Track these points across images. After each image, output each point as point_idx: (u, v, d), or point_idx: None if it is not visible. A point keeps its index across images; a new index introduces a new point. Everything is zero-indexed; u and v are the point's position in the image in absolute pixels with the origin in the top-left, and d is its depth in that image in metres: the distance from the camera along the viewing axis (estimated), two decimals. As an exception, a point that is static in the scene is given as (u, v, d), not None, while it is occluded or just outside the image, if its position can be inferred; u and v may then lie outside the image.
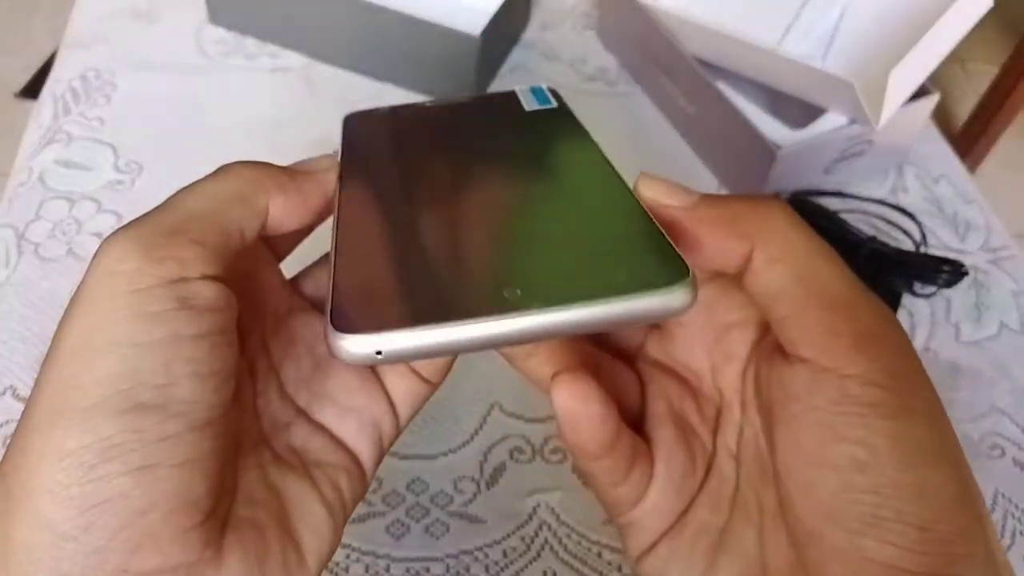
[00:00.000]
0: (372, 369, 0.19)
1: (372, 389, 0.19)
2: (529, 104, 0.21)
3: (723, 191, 0.44)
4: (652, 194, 0.17)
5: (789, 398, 0.15)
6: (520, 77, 0.48)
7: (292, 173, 0.18)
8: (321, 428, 0.18)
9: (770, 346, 0.17)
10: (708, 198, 0.17)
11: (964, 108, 1.23)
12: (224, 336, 0.15)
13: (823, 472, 0.15)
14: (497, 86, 0.47)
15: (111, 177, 0.40)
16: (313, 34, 0.46)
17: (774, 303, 0.16)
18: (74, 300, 0.15)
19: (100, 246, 0.15)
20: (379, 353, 0.14)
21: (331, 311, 0.14)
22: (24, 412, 0.15)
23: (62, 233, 0.38)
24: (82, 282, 0.15)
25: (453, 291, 0.15)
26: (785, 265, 0.16)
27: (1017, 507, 0.33)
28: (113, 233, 0.15)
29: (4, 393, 0.32)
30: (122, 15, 0.48)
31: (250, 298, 0.18)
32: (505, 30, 0.47)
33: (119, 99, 0.43)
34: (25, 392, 0.32)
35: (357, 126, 0.22)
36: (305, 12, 0.45)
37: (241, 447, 0.17)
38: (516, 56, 0.49)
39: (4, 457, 0.15)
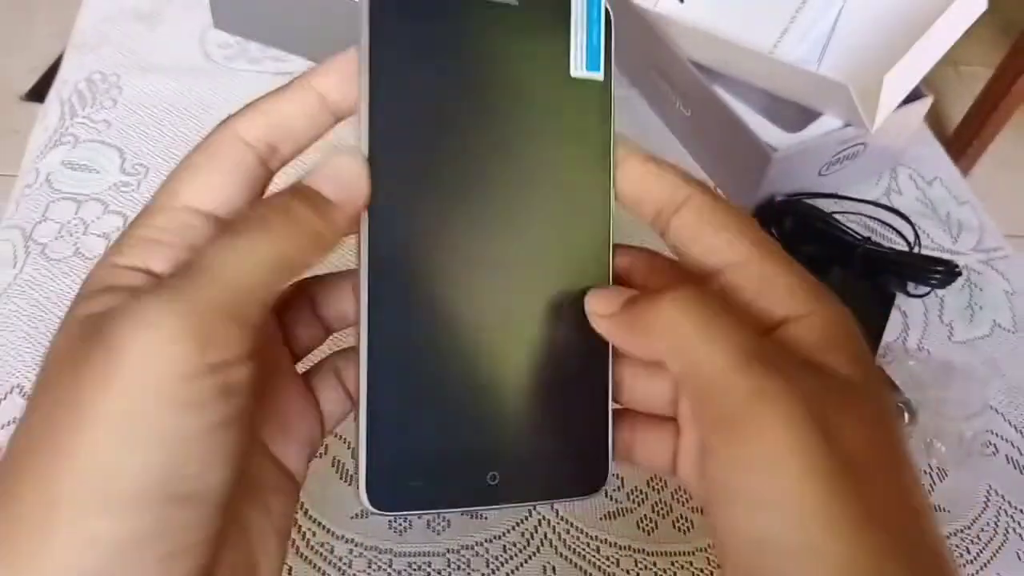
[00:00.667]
0: (310, 389, 0.19)
1: (311, 412, 0.19)
2: (577, 64, 0.19)
3: (720, 194, 0.44)
4: (595, 307, 0.18)
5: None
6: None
7: (330, 216, 0.16)
8: (272, 458, 0.18)
9: None
10: (630, 304, 0.18)
11: (958, 110, 1.24)
12: (248, 414, 0.15)
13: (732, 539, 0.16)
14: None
15: (117, 179, 0.41)
16: (316, 38, 0.46)
17: (681, 388, 0.18)
18: (111, 363, 0.14)
19: (136, 312, 0.14)
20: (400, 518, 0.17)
21: (367, 487, 0.17)
22: (36, 476, 0.14)
23: (69, 234, 0.38)
24: (118, 346, 0.14)
25: (456, 481, 0.18)
26: (677, 360, 0.17)
27: (1011, 504, 0.34)
28: (149, 301, 0.14)
29: (11, 392, 0.33)
30: (127, 18, 0.48)
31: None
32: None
33: (125, 102, 0.44)
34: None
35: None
36: (308, 17, 0.45)
37: None
38: (516, 60, 0.50)
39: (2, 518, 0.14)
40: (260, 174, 0.17)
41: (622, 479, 0.33)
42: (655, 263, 0.20)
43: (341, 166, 0.17)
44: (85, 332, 0.14)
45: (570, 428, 0.19)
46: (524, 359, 0.18)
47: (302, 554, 0.29)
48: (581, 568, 0.30)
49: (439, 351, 0.18)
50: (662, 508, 0.32)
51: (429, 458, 0.18)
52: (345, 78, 0.17)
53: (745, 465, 0.15)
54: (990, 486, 0.34)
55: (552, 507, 0.32)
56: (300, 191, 0.16)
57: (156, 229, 0.16)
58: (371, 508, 0.17)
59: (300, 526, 0.30)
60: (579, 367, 0.19)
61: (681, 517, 0.32)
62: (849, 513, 0.14)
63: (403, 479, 0.17)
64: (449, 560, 0.30)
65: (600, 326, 0.18)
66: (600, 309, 0.18)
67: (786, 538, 0.15)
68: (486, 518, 0.31)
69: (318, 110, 0.17)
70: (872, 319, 0.38)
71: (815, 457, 0.15)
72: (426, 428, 0.18)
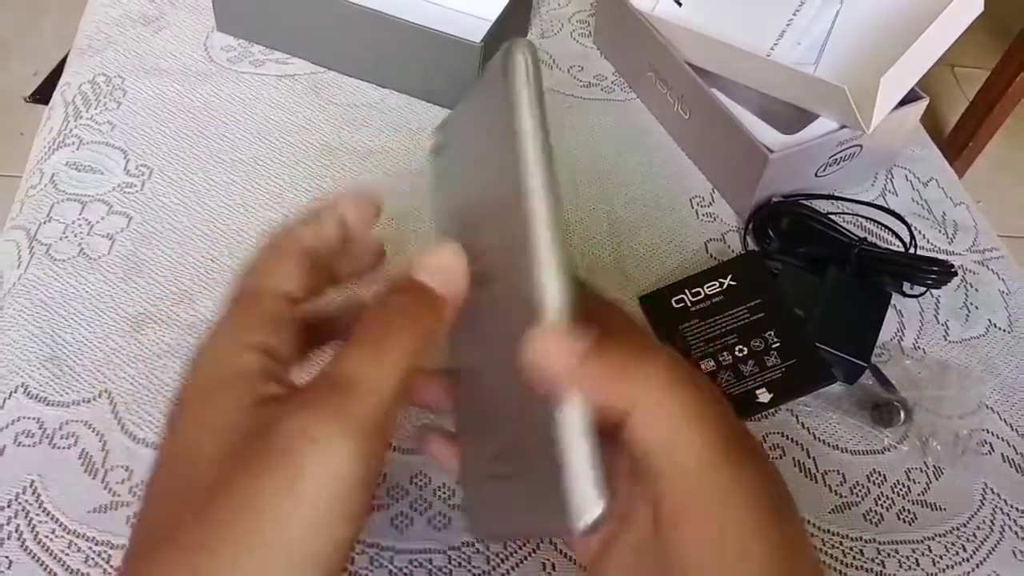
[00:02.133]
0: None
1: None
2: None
3: (717, 195, 0.45)
4: (538, 357, 0.17)
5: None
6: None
7: (437, 313, 0.19)
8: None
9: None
10: (598, 349, 0.18)
11: (954, 112, 1.24)
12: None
13: None
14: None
15: (121, 180, 0.41)
16: (319, 41, 0.47)
17: (644, 459, 0.18)
18: (290, 477, 0.15)
19: (308, 429, 0.16)
20: None
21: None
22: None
23: (73, 235, 0.38)
24: (297, 461, 0.16)
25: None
26: (655, 431, 0.17)
27: (1006, 502, 0.34)
28: (318, 420, 0.16)
29: (15, 391, 0.33)
30: (131, 21, 0.49)
31: None
32: (505, 37, 0.48)
33: (129, 104, 0.44)
34: (37, 390, 0.33)
35: None
36: (311, 20, 0.46)
37: None
38: (516, 62, 0.50)
39: None
40: (313, 269, 0.20)
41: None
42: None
43: (446, 260, 0.19)
44: (251, 433, 0.16)
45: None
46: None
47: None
48: (581, 566, 0.30)
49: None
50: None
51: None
52: (360, 209, 0.21)
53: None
54: (986, 484, 0.35)
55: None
56: (416, 290, 0.19)
57: (269, 311, 0.19)
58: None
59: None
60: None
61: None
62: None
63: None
64: (450, 557, 0.30)
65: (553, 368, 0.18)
66: (557, 357, 0.18)
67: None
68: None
69: (342, 227, 0.21)
70: (868, 319, 0.38)
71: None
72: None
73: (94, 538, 0.29)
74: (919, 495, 0.34)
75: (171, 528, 0.16)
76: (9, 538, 0.29)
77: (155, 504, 0.17)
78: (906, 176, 0.47)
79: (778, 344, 0.35)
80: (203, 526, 0.16)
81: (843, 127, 0.41)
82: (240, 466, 0.16)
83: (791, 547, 0.17)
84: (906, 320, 0.40)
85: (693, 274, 0.39)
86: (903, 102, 0.42)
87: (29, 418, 0.32)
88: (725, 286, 0.38)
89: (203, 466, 0.16)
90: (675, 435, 0.17)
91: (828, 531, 0.33)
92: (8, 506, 0.30)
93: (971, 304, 0.42)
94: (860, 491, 0.34)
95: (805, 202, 0.42)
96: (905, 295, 0.41)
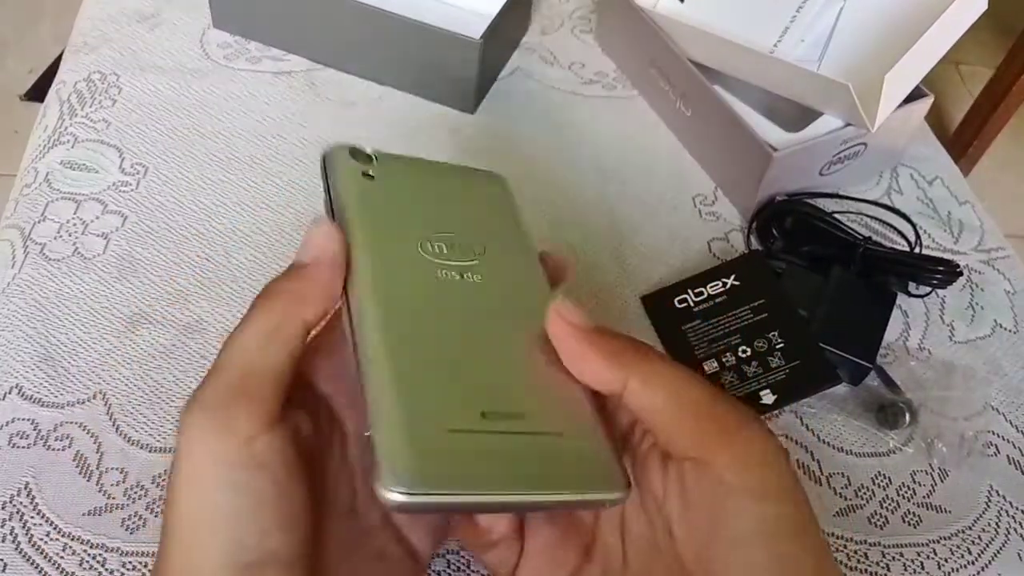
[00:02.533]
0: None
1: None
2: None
3: (720, 193, 0.44)
4: (563, 313, 0.20)
5: (684, 488, 0.19)
6: (520, 81, 0.49)
7: (307, 275, 0.20)
8: (401, 537, 0.21)
9: (657, 451, 0.20)
10: (601, 328, 0.20)
11: (959, 110, 1.24)
12: (292, 479, 0.18)
13: (713, 548, 0.18)
14: (498, 89, 0.48)
15: (116, 178, 0.40)
16: (316, 38, 0.46)
17: (653, 416, 0.20)
18: (175, 475, 0.18)
19: (184, 420, 0.18)
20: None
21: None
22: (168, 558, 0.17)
23: (68, 234, 0.38)
24: (183, 452, 0.18)
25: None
26: (659, 387, 0.19)
27: (1012, 504, 0.34)
28: (189, 406, 0.18)
29: (10, 392, 0.32)
30: (127, 18, 0.48)
31: (315, 405, 0.21)
32: (505, 34, 0.48)
33: (124, 101, 0.44)
34: (31, 391, 0.33)
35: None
36: (308, 17, 0.45)
37: (340, 551, 0.20)
38: (516, 60, 0.50)
39: None
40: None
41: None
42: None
43: (312, 233, 0.21)
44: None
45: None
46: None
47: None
48: None
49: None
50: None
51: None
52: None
53: (743, 463, 0.18)
54: (991, 486, 0.34)
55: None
56: (288, 272, 0.20)
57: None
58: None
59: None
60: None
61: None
62: (810, 561, 0.18)
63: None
64: (449, 561, 0.30)
65: (567, 333, 0.20)
66: (571, 318, 0.20)
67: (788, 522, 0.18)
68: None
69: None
70: (873, 319, 0.38)
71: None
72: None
73: (89, 541, 0.29)
74: (924, 497, 0.34)
75: None
76: (3, 540, 0.29)
77: None
78: (911, 175, 0.47)
79: (782, 345, 0.35)
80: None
81: (847, 125, 0.41)
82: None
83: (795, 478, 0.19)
84: (911, 320, 0.40)
85: (696, 274, 0.38)
86: (907, 100, 0.42)
87: (23, 419, 0.32)
88: (728, 286, 0.37)
89: None
90: (677, 390, 0.19)
91: (832, 535, 0.32)
92: (2, 508, 0.29)
93: (977, 304, 0.41)
94: (865, 494, 0.33)
95: (809, 201, 0.42)
96: (910, 295, 0.40)
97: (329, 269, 0.20)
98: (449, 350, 0.20)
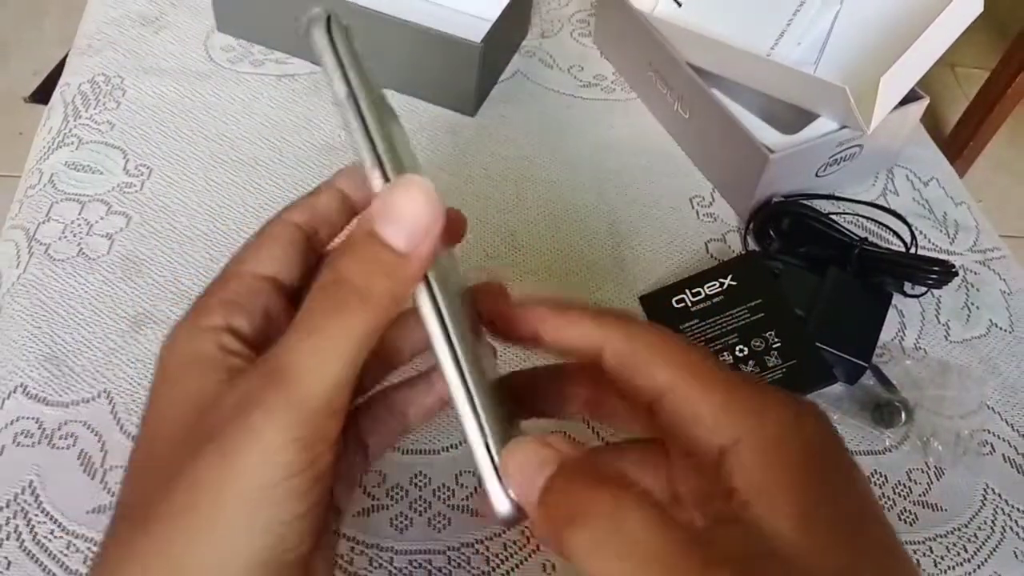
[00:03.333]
0: (359, 433, 0.20)
1: (359, 449, 0.20)
2: None
3: (718, 195, 0.45)
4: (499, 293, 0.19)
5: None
6: (520, 83, 0.49)
7: (403, 270, 0.16)
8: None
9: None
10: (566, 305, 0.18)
11: (954, 112, 1.24)
12: (329, 486, 0.17)
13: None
14: (498, 91, 0.48)
15: (121, 180, 0.41)
16: (317, 41, 0.47)
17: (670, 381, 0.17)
18: (226, 469, 0.15)
19: (245, 425, 0.15)
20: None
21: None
22: (162, 546, 0.15)
23: (72, 234, 0.38)
24: (231, 458, 0.15)
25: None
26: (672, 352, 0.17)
27: (1007, 502, 0.34)
28: (256, 416, 0.15)
29: (15, 391, 0.33)
30: (131, 21, 0.49)
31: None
32: (505, 38, 0.48)
33: (128, 103, 0.44)
34: (36, 390, 0.33)
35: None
36: (310, 19, 0.46)
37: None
38: (516, 63, 0.50)
39: None
40: (308, 248, 0.20)
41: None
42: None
43: (412, 204, 0.15)
44: (197, 426, 0.16)
45: None
46: None
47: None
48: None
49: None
50: (661, 506, 0.32)
51: None
52: (357, 182, 0.20)
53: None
54: (987, 485, 0.35)
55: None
56: (372, 251, 0.16)
57: (232, 292, 0.18)
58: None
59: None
60: None
61: (680, 515, 0.32)
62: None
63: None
64: (449, 558, 0.30)
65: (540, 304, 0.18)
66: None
67: None
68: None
69: (342, 202, 0.20)
70: (869, 319, 0.38)
71: None
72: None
73: (93, 539, 0.29)
74: (920, 496, 0.34)
75: (129, 507, 0.17)
76: (8, 538, 0.29)
77: (124, 482, 0.18)
78: (907, 176, 0.47)
79: (779, 344, 0.35)
80: (151, 507, 0.16)
81: (843, 127, 0.41)
82: (185, 457, 0.16)
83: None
84: (907, 320, 0.40)
85: (693, 274, 0.39)
86: (903, 102, 0.42)
87: (28, 418, 0.32)
88: (726, 286, 0.38)
89: (162, 444, 0.17)
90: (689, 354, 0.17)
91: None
92: (7, 506, 0.30)
93: (972, 304, 0.41)
94: (861, 491, 0.34)
95: (805, 202, 0.42)
96: (906, 295, 0.41)
97: (423, 264, 0.16)
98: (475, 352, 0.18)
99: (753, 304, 0.37)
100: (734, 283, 0.38)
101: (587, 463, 0.16)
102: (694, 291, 0.38)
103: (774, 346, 0.35)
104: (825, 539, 0.14)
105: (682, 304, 0.38)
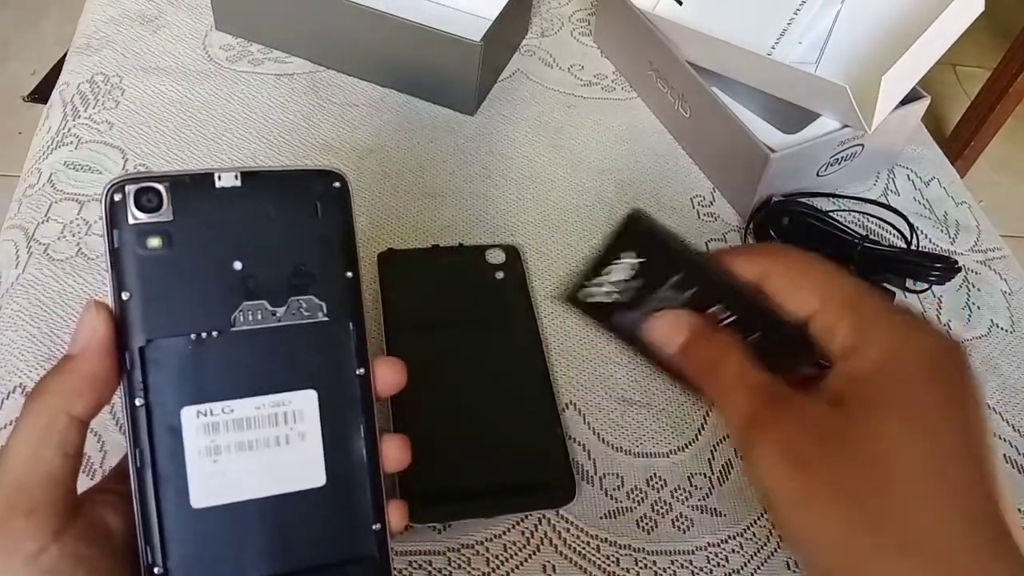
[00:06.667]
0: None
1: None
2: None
3: (718, 194, 0.44)
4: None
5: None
6: (520, 82, 0.49)
7: (73, 368, 0.19)
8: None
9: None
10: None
11: (955, 111, 1.24)
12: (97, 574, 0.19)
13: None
14: (498, 90, 0.48)
15: (119, 180, 0.41)
16: (318, 40, 0.47)
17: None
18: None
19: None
20: None
21: None
22: None
23: (71, 234, 0.38)
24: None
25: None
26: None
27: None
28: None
29: (13, 391, 0.33)
30: (130, 20, 0.49)
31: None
32: (505, 37, 0.48)
33: (127, 103, 0.44)
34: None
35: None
36: (310, 19, 0.46)
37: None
38: (516, 62, 0.50)
39: None
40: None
41: (622, 479, 0.33)
42: None
43: (80, 322, 0.20)
44: None
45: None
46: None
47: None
48: (581, 567, 0.30)
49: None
50: (661, 507, 0.32)
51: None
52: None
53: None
54: (988, 485, 0.34)
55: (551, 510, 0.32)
56: (52, 369, 0.20)
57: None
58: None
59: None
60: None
61: (680, 516, 0.32)
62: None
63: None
64: (449, 559, 0.30)
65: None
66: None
67: None
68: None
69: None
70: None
71: None
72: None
73: (92, 539, 0.29)
74: (921, 496, 0.34)
75: None
76: (7, 539, 0.29)
77: None
78: (908, 175, 0.47)
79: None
80: None
81: (844, 126, 0.41)
82: None
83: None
84: (908, 320, 0.40)
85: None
86: (904, 101, 0.42)
87: (27, 419, 0.32)
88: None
89: None
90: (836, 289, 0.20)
91: (830, 532, 0.32)
92: (6, 507, 0.30)
93: (973, 304, 0.41)
94: (862, 492, 0.34)
95: (805, 200, 0.42)
96: (908, 292, 0.40)
97: (98, 357, 0.19)
98: None
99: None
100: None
101: (707, 324, 0.22)
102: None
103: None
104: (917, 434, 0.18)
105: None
